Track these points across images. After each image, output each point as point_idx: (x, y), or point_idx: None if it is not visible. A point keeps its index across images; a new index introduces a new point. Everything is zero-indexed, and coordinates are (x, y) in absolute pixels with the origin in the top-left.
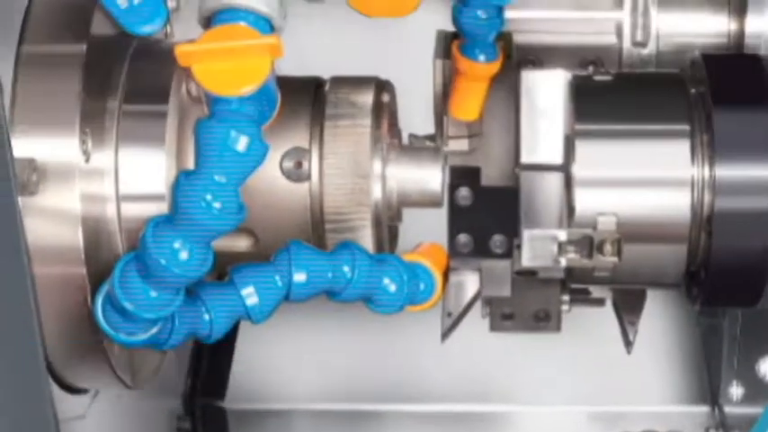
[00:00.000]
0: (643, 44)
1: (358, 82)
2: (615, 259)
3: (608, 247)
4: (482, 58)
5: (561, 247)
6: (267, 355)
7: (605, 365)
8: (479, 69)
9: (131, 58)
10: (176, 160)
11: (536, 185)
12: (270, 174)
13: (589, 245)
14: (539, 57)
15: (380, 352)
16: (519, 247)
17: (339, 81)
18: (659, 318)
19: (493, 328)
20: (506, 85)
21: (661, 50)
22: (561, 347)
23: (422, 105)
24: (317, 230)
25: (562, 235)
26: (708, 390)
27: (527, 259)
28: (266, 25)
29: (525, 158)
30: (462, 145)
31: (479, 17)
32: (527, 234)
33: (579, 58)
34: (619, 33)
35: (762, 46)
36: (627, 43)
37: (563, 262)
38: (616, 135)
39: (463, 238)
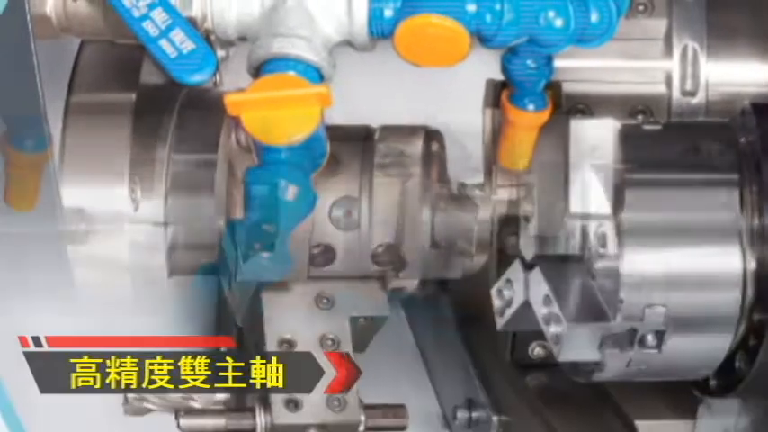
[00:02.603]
0: (692, 93)
1: (407, 131)
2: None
3: None
4: (531, 107)
5: None
6: None
7: None
8: (528, 118)
9: (181, 107)
10: (225, 209)
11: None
12: (319, 223)
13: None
14: (588, 106)
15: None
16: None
17: (388, 130)
18: None
19: None
20: (555, 134)
21: (710, 100)
22: None
23: (471, 154)
24: None
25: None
26: None
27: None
28: (315, 74)
29: (574, 208)
30: (511, 194)
31: (529, 66)
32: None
33: (628, 107)
34: (668, 83)
35: None
36: (676, 93)
37: None
38: (665, 184)
39: None
